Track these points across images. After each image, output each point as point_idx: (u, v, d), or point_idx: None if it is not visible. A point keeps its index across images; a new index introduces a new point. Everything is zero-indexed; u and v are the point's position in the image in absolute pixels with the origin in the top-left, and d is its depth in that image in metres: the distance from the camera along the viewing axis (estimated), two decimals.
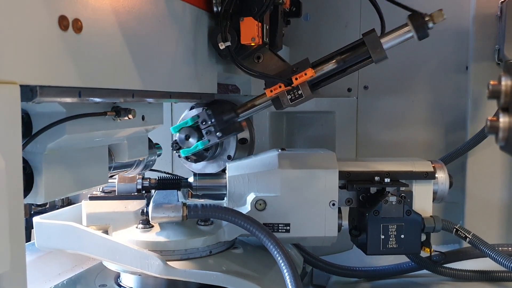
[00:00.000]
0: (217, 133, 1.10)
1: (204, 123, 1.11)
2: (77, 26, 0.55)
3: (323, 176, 1.06)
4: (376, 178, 1.07)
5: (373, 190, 1.09)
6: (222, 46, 0.95)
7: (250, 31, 0.98)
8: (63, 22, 0.53)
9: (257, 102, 1.10)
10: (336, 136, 1.48)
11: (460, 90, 1.43)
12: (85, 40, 0.57)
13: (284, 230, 1.05)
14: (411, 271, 1.24)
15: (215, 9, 0.97)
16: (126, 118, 0.71)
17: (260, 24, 1.00)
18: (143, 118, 0.80)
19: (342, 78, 1.51)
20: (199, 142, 1.11)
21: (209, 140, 1.11)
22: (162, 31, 0.76)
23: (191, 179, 1.11)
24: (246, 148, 1.32)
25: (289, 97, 1.06)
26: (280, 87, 1.04)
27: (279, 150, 1.13)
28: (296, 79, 1.04)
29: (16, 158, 0.45)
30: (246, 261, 1.05)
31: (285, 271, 0.91)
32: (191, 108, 1.32)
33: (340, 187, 1.08)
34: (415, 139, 1.48)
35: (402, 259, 1.22)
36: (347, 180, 1.09)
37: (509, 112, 0.50)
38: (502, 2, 1.32)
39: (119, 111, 0.70)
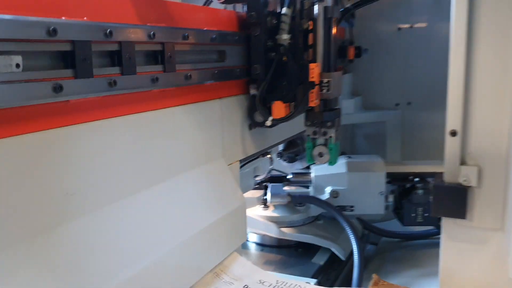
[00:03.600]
0: (328, 123, 1.14)
1: (315, 133, 1.16)
2: None
3: (375, 177, 1.64)
4: (410, 177, 1.66)
5: (407, 185, 1.68)
6: (269, 122, 1.06)
7: (280, 112, 1.06)
8: None
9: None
10: (387, 138, 2.04)
11: None
12: None
13: (350, 210, 1.66)
14: (435, 235, 1.75)
15: (251, 92, 1.10)
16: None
17: (288, 104, 1.07)
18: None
19: (391, 96, 2.04)
20: (330, 145, 1.16)
21: (331, 136, 1.15)
22: None
23: (289, 176, 1.75)
24: None
25: (324, 91, 1.09)
26: (312, 93, 1.07)
27: (347, 158, 1.73)
28: (313, 77, 1.07)
29: None
30: (326, 229, 1.67)
31: (350, 234, 1.47)
32: None
33: (387, 182, 1.67)
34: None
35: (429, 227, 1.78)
36: (392, 178, 1.68)
37: None
38: None
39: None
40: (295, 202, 1.64)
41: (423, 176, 1.65)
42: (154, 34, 0.77)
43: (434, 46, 1.88)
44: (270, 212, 1.65)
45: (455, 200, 0.87)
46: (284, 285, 1.00)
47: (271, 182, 1.71)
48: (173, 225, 0.87)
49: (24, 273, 0.60)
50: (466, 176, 0.86)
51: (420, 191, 1.62)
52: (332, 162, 1.20)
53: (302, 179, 1.73)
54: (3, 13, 0.54)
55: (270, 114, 1.08)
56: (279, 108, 1.07)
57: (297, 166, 1.93)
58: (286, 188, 1.79)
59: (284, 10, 1.06)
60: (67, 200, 0.67)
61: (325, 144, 1.18)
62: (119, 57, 0.72)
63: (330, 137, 1.17)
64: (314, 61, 1.12)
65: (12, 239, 0.60)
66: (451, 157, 0.88)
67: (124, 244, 0.75)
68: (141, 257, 0.77)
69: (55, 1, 0.62)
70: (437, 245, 1.75)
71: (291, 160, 1.86)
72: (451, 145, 0.88)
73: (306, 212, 1.66)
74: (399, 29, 1.94)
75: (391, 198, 1.67)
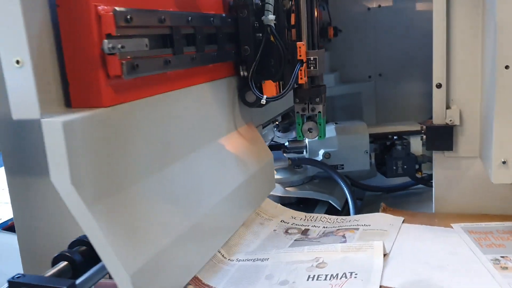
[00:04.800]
0: (317, 99, 1.18)
1: (304, 110, 1.20)
2: None
3: (360, 138, 1.90)
4: (389, 136, 1.94)
5: (388, 143, 1.95)
6: (264, 101, 1.09)
7: (271, 91, 1.13)
8: None
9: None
10: (363, 107, 2.32)
11: None
12: None
13: (341, 168, 1.93)
14: (413, 186, 2.02)
15: (241, 73, 1.14)
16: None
17: (277, 83, 1.14)
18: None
19: (364, 69, 2.32)
20: (319, 120, 1.20)
21: (319, 112, 1.20)
22: None
23: (286, 144, 1.98)
24: None
25: (312, 68, 1.14)
26: (300, 70, 1.10)
27: (334, 124, 1.98)
28: (300, 55, 1.11)
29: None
30: (322, 185, 1.91)
31: (345, 188, 1.77)
32: None
33: (370, 142, 1.94)
34: (414, 106, 2.30)
35: (407, 179, 2.07)
36: (374, 138, 1.95)
37: None
38: None
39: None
40: (295, 164, 1.89)
41: (400, 134, 1.93)
42: (213, 20, 0.99)
43: (400, 23, 2.16)
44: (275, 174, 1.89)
45: (444, 137, 1.14)
46: (312, 218, 1.25)
47: (271, 150, 1.94)
48: (231, 174, 1.09)
49: (148, 198, 0.81)
50: (451, 117, 1.13)
51: (399, 147, 1.89)
52: (321, 136, 1.26)
53: (297, 145, 1.98)
54: (139, 7, 0.75)
55: (261, 93, 1.12)
56: (270, 87, 1.13)
57: (290, 136, 2.17)
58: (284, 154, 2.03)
59: None
60: (168, 148, 0.88)
61: (313, 120, 1.23)
62: (194, 39, 0.93)
63: (319, 112, 1.23)
64: (299, 40, 1.16)
65: (139, 175, 0.80)
66: (438, 104, 1.15)
67: (204, 183, 0.97)
68: (215, 194, 0.99)
69: None
70: (414, 194, 2.06)
71: (285, 130, 2.10)
72: (437, 95, 1.15)
73: (304, 173, 1.91)
74: (369, 9, 2.21)
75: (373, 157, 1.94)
